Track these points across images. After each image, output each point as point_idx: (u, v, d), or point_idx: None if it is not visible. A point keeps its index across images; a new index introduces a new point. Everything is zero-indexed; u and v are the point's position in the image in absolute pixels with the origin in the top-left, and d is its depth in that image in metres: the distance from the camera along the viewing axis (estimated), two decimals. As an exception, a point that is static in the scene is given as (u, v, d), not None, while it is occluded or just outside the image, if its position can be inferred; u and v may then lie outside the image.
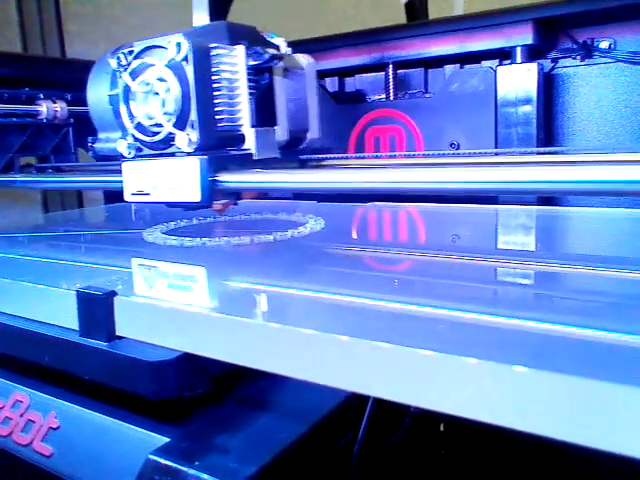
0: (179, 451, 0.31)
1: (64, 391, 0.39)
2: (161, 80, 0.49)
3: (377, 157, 0.70)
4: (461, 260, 0.44)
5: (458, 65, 0.97)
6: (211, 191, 0.49)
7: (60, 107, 0.92)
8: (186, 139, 0.49)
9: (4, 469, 0.42)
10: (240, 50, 0.52)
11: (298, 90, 0.60)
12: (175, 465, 0.30)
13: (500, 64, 0.92)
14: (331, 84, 1.09)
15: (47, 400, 0.39)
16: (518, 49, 0.88)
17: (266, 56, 0.52)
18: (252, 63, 0.52)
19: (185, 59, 0.48)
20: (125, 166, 0.54)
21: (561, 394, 0.21)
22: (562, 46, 0.89)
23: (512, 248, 0.51)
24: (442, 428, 0.49)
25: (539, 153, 0.54)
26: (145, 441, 0.33)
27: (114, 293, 0.36)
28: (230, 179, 0.50)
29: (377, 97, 1.04)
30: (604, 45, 0.86)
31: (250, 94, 0.53)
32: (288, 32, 0.62)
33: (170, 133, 0.49)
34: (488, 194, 0.38)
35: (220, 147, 0.52)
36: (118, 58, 0.52)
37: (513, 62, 0.89)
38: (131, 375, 0.34)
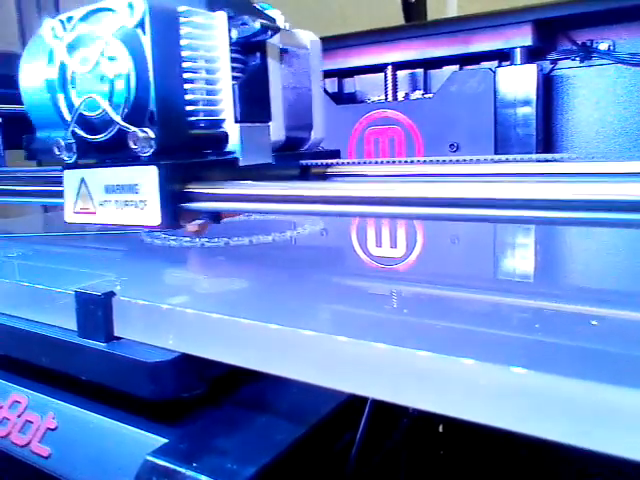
0: (177, 452, 0.31)
1: (62, 392, 0.39)
2: (110, 58, 0.36)
3: (405, 163, 0.52)
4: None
5: (457, 66, 0.97)
6: (175, 211, 0.37)
7: (-14, 105, 0.77)
8: (142, 138, 0.36)
9: (2, 470, 0.42)
10: (221, 17, 0.39)
11: (299, 76, 0.47)
12: (173, 466, 0.30)
13: (499, 65, 0.92)
14: (330, 85, 1.09)
15: (45, 401, 0.39)
16: (517, 50, 0.88)
17: (256, 26, 0.39)
18: (237, 36, 0.39)
19: (141, 26, 0.35)
20: (66, 175, 0.41)
21: (560, 396, 0.21)
22: (561, 47, 0.89)
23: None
24: (441, 429, 0.49)
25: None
26: (143, 442, 0.33)
27: (112, 294, 0.35)
28: (205, 194, 0.37)
29: (376, 98, 1.04)
30: (603, 46, 0.86)
31: (234, 78, 0.40)
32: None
33: (121, 130, 0.37)
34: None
35: (192, 150, 0.39)
36: (53, 28, 0.39)
37: (512, 63, 0.89)
38: (129, 376, 0.34)
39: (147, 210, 0.37)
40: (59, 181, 0.43)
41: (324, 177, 0.51)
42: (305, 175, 0.50)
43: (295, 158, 0.49)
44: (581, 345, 0.25)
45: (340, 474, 0.37)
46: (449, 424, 0.48)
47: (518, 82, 0.86)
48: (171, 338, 0.33)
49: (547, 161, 0.47)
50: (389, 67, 0.99)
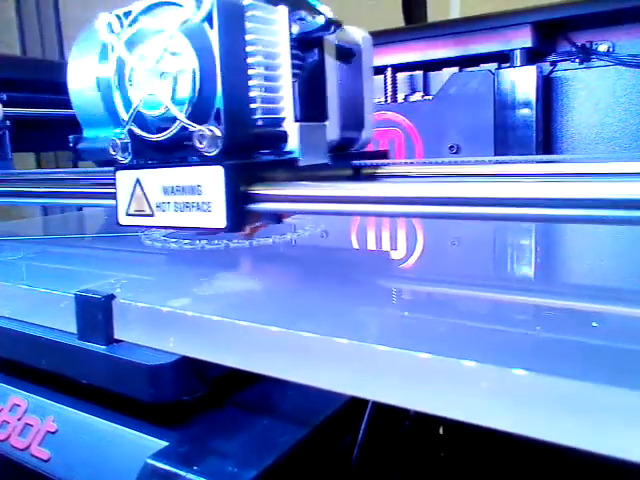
0: (178, 455, 0.31)
1: (62, 395, 0.39)
2: (173, 53, 0.36)
3: (461, 163, 0.50)
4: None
5: (457, 68, 0.97)
6: (242, 213, 0.36)
7: (-6, 108, 0.79)
8: (208, 137, 0.35)
9: (1, 473, 0.42)
10: (282, 12, 0.38)
11: (352, 73, 0.46)
12: (174, 469, 0.30)
13: (499, 67, 0.92)
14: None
15: (45, 404, 0.39)
16: (517, 52, 0.88)
17: (319, 21, 0.37)
18: (298, 31, 0.38)
19: (208, 20, 0.34)
20: (120, 176, 0.40)
21: (561, 398, 0.21)
22: (561, 49, 0.90)
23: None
24: (441, 431, 0.49)
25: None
26: (143, 445, 0.33)
27: (113, 296, 0.35)
28: (269, 195, 0.36)
29: (376, 100, 1.04)
30: (603, 48, 0.86)
31: (293, 75, 0.39)
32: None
33: (184, 128, 0.36)
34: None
35: (254, 149, 0.38)
36: (110, 24, 0.38)
37: (512, 65, 0.89)
38: (129, 379, 0.33)
39: (212, 212, 0.36)
40: (80, 183, 0.43)
41: (375, 177, 0.50)
42: (357, 175, 0.48)
43: (348, 158, 0.48)
44: (582, 346, 0.25)
45: (341, 476, 0.37)
46: (450, 426, 0.48)
47: (518, 84, 0.86)
48: (171, 341, 0.33)
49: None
50: (389, 69, 1.00)
